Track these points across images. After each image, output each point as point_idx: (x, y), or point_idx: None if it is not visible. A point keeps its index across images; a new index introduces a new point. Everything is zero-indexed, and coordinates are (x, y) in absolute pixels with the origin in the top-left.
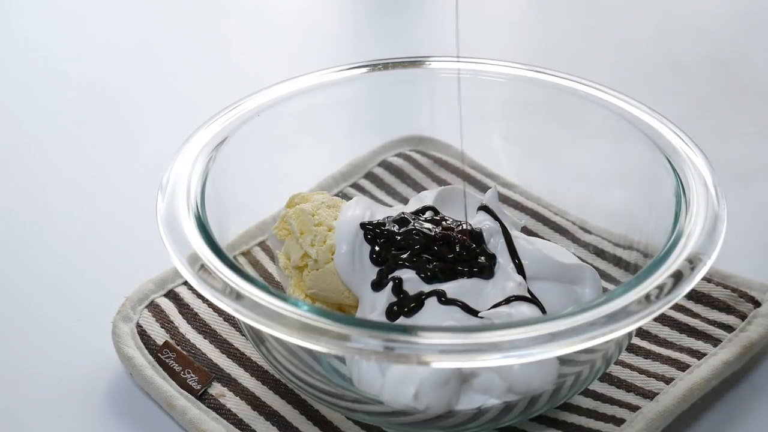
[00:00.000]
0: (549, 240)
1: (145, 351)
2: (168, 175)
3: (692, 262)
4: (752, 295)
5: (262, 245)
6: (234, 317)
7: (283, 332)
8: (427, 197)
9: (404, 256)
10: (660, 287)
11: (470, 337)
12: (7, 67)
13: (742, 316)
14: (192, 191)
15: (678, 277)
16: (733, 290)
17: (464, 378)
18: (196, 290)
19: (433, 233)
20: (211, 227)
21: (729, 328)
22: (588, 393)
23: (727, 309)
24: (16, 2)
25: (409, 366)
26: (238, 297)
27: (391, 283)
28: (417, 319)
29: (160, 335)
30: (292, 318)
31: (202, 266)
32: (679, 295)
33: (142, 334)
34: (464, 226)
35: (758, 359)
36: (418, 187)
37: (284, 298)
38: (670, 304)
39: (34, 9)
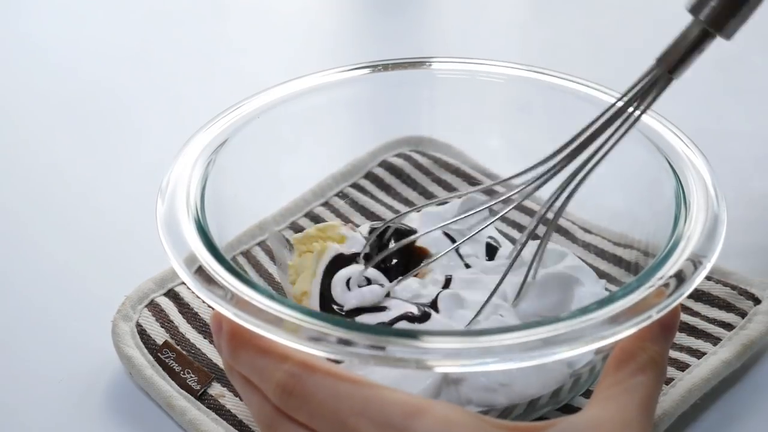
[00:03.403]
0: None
1: (145, 350)
2: (168, 178)
3: (693, 264)
4: (752, 292)
5: (263, 245)
6: None
7: (283, 337)
8: (448, 211)
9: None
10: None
11: (472, 342)
12: (8, 66)
13: (742, 314)
14: (192, 194)
15: (679, 280)
16: (733, 287)
17: (457, 385)
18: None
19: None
20: (211, 229)
21: (729, 326)
22: (589, 394)
23: (727, 307)
24: (20, 0)
25: (402, 377)
26: (238, 302)
27: None
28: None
29: (160, 335)
30: (293, 323)
31: (204, 272)
32: (680, 298)
33: (142, 333)
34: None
35: (758, 358)
36: (419, 187)
37: (285, 303)
38: (671, 307)
39: (37, 8)
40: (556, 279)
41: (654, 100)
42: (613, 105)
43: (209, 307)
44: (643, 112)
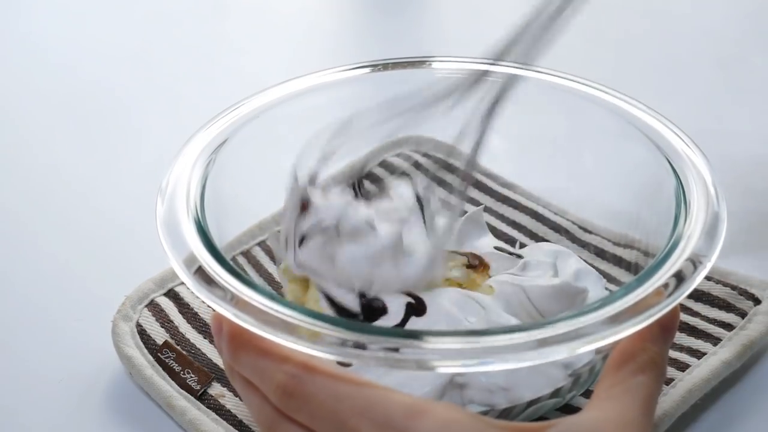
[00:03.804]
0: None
1: (145, 350)
2: (168, 178)
3: (693, 264)
4: (752, 292)
5: (262, 245)
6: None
7: (284, 338)
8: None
9: None
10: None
11: (473, 342)
12: (8, 66)
13: (742, 314)
14: (192, 194)
15: (678, 279)
16: (733, 287)
17: (461, 388)
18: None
19: None
20: (211, 229)
21: (729, 327)
22: (589, 394)
23: (727, 307)
24: (20, 0)
25: (406, 379)
26: (238, 303)
27: None
28: None
29: (160, 335)
30: (293, 324)
31: (203, 273)
32: (680, 297)
33: (142, 333)
34: None
35: (758, 358)
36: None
37: (286, 304)
38: (671, 307)
39: (37, 8)
40: (564, 292)
41: None
42: None
43: (209, 307)
44: None
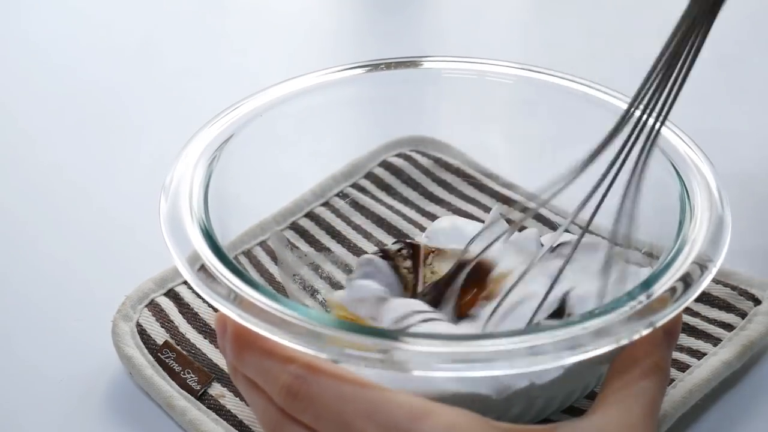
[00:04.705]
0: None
1: (145, 350)
2: (171, 177)
3: (699, 268)
4: (752, 292)
5: (263, 245)
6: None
7: (283, 338)
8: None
9: None
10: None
11: (470, 346)
12: (8, 65)
13: (742, 315)
14: (195, 193)
15: (684, 284)
16: (733, 288)
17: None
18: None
19: None
20: (214, 229)
21: (729, 327)
22: (592, 395)
23: (728, 307)
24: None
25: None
26: (242, 303)
27: None
28: None
29: (160, 335)
30: (295, 324)
31: (207, 272)
32: (686, 302)
33: (142, 333)
34: None
35: (758, 358)
36: (419, 188)
37: (290, 305)
38: (677, 311)
39: (37, 7)
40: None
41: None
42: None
43: (210, 307)
44: (686, 74)
